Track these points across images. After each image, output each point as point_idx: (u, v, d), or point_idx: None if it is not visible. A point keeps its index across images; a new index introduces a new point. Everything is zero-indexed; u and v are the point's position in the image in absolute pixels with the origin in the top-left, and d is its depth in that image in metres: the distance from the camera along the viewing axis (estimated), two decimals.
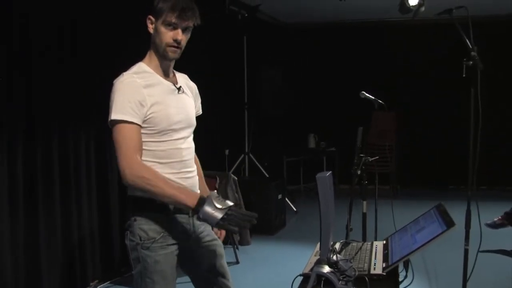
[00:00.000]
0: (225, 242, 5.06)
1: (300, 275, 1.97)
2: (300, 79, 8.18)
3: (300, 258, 2.38)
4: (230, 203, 1.93)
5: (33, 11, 3.47)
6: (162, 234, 2.06)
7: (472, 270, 2.95)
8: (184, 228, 2.13)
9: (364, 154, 3.48)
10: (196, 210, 1.91)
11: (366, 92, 3.96)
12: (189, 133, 2.17)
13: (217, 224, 1.90)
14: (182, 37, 2.04)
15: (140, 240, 2.06)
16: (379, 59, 7.95)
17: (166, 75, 2.13)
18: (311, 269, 1.83)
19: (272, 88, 7.46)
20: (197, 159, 2.34)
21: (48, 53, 3.61)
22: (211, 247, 2.23)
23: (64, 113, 3.76)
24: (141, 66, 2.09)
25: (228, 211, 1.90)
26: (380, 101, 3.97)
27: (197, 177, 2.22)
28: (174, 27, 2.02)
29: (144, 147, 2.03)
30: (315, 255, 2.13)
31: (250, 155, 6.57)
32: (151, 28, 2.06)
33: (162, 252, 2.06)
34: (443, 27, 5.27)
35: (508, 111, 7.59)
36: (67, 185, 3.77)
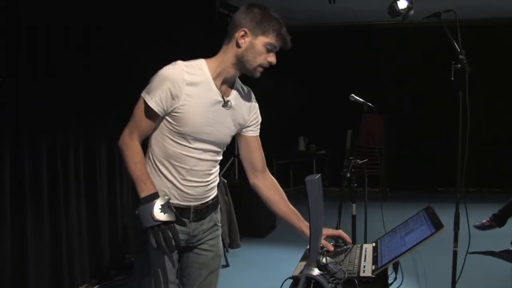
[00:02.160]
0: None
1: (290, 277, 1.97)
2: (289, 82, 8.18)
3: (290, 260, 2.38)
4: (169, 218, 1.86)
5: (25, 13, 3.44)
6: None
7: (461, 272, 2.96)
8: (185, 231, 2.09)
9: (353, 156, 3.50)
10: (140, 203, 1.89)
11: (355, 95, 3.98)
12: (212, 148, 2.08)
13: (144, 230, 1.86)
14: (275, 61, 2.04)
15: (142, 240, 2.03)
16: (368, 62, 7.98)
17: (222, 83, 2.05)
18: (301, 272, 1.83)
19: (262, 91, 7.45)
20: (281, 191, 2.43)
21: (36, 58, 3.58)
22: (203, 256, 2.20)
23: (52, 117, 3.73)
24: (200, 63, 2.02)
25: (161, 224, 1.84)
26: (369, 104, 3.99)
27: (207, 187, 2.13)
28: (272, 50, 2.01)
29: (160, 140, 2.03)
30: (304, 258, 2.13)
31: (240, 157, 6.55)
32: (242, 40, 1.98)
33: (159, 255, 2.03)
34: (432, 30, 5.31)
35: (497, 113, 7.65)
36: (55, 188, 3.74)
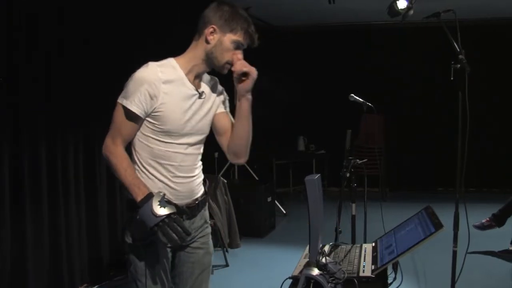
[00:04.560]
0: (214, 245, 5.09)
1: (290, 277, 1.97)
2: (289, 82, 8.18)
3: (290, 260, 2.38)
4: (169, 211, 1.89)
5: (20, 11, 3.44)
6: (154, 236, 2.05)
7: (460, 272, 2.96)
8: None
9: (353, 156, 3.50)
10: (139, 207, 1.92)
11: (355, 95, 3.98)
12: (196, 140, 2.14)
13: (150, 229, 1.90)
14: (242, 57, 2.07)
15: (132, 241, 2.07)
16: (368, 62, 7.97)
17: (194, 78, 2.10)
18: (301, 272, 1.83)
19: (261, 91, 7.45)
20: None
21: (35, 56, 3.58)
22: (198, 251, 2.22)
23: (52, 117, 3.73)
24: (170, 62, 2.07)
25: (165, 218, 1.87)
26: (369, 104, 3.99)
27: (195, 182, 2.17)
28: (239, 48, 2.05)
29: (145, 142, 2.05)
30: (304, 258, 2.13)
31: None
32: (211, 37, 2.03)
33: (154, 254, 2.06)
34: (432, 30, 5.31)
35: (495, 113, 7.65)
36: (55, 188, 3.74)
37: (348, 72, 7.95)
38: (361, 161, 3.55)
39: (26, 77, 3.50)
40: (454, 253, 2.95)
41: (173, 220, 1.89)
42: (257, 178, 6.51)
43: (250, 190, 5.85)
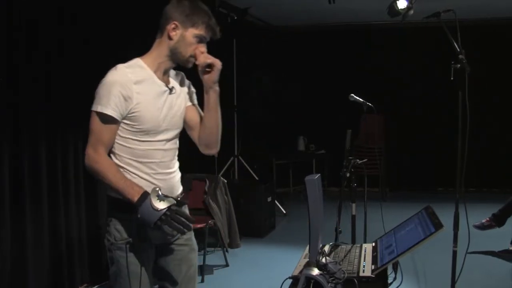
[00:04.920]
0: (214, 245, 5.10)
1: (290, 277, 1.97)
2: (289, 82, 8.19)
3: (290, 260, 2.38)
4: (169, 203, 1.91)
5: (20, 12, 3.44)
6: (136, 235, 2.06)
7: (460, 272, 2.96)
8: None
9: (353, 156, 3.49)
10: (137, 206, 1.92)
11: (355, 95, 3.98)
12: (173, 135, 2.18)
13: (154, 225, 1.90)
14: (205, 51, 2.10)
15: (114, 240, 2.08)
16: (368, 62, 7.97)
17: (162, 75, 2.13)
18: (301, 272, 1.83)
19: (262, 91, 7.46)
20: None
21: (35, 56, 3.58)
22: (183, 248, 2.23)
23: (52, 116, 3.73)
24: (137, 62, 2.10)
25: (167, 211, 1.89)
26: (369, 104, 3.99)
27: (176, 178, 2.21)
28: (201, 41, 2.08)
29: (124, 144, 2.06)
30: (304, 258, 2.13)
31: (240, 157, 6.56)
32: (173, 33, 2.06)
33: (136, 253, 2.07)
34: (432, 30, 5.31)
35: (495, 113, 7.65)
36: (55, 188, 3.74)
37: (348, 72, 7.96)
38: (361, 161, 3.55)
39: (26, 77, 3.50)
40: (454, 253, 2.95)
41: (175, 211, 1.90)
42: (257, 178, 6.51)
43: (250, 190, 5.85)
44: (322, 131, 8.05)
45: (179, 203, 2.01)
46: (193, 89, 2.30)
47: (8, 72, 3.37)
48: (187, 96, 2.26)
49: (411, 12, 4.20)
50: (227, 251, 4.91)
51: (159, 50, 2.11)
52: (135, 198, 1.93)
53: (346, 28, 8.12)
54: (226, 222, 5.02)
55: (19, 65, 3.45)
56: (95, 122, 2.02)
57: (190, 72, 2.23)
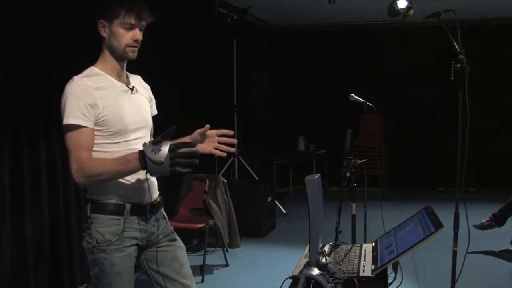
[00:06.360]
0: (214, 245, 5.10)
1: (290, 277, 1.97)
2: (289, 82, 8.19)
3: (290, 260, 2.38)
4: (165, 148, 1.84)
5: (20, 12, 3.44)
6: (118, 236, 2.07)
7: (460, 272, 2.97)
8: (143, 229, 2.14)
9: (353, 156, 3.50)
10: (143, 168, 1.89)
11: (355, 95, 3.98)
12: (145, 133, 2.20)
13: (170, 172, 1.86)
14: (141, 36, 2.11)
15: (97, 242, 2.08)
16: (368, 62, 7.98)
17: (119, 76, 2.17)
18: (301, 272, 1.83)
19: (262, 91, 7.47)
20: None
21: (35, 56, 3.58)
22: (171, 248, 2.25)
23: (52, 116, 3.72)
24: (92, 70, 2.14)
25: (170, 158, 1.83)
26: (369, 104, 3.99)
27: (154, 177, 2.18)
28: (131, 27, 2.08)
29: (100, 149, 2.06)
30: (304, 258, 2.13)
31: (240, 157, 6.56)
32: (104, 32, 2.10)
33: (119, 255, 2.08)
34: (432, 30, 5.31)
35: (495, 113, 7.65)
36: (55, 188, 3.73)
37: (348, 72, 7.96)
38: (361, 161, 3.55)
39: (26, 77, 3.49)
40: (454, 253, 2.95)
41: (174, 151, 1.84)
42: (257, 178, 6.51)
43: (250, 190, 5.85)
44: (322, 131, 8.06)
45: (164, 136, 1.86)
46: (153, 98, 2.35)
47: (8, 72, 3.37)
48: (149, 100, 2.31)
49: (411, 12, 4.20)
50: (227, 251, 4.92)
51: (104, 53, 2.16)
52: (136, 163, 1.89)
53: (346, 28, 8.12)
54: (226, 222, 5.03)
55: (19, 65, 3.45)
56: (70, 136, 2.01)
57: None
